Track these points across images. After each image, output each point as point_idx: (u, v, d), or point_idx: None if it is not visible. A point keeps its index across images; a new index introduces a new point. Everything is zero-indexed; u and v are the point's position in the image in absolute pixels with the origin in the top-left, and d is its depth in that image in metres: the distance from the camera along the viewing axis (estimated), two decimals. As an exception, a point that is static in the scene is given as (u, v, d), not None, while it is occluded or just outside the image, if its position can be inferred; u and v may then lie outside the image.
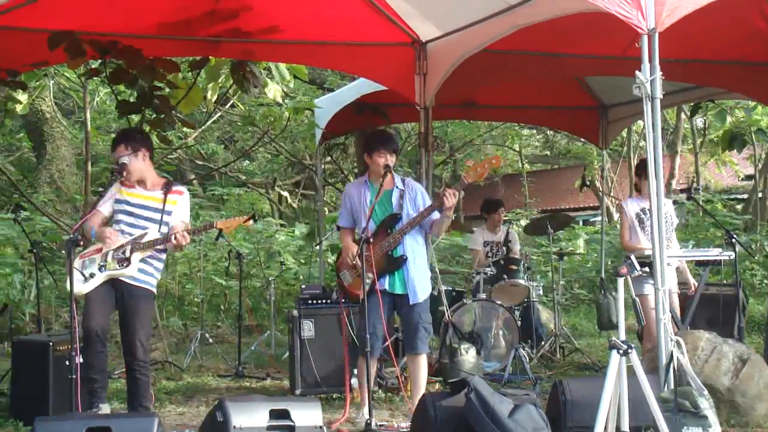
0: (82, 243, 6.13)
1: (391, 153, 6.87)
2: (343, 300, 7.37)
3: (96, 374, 6.39)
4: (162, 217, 6.52)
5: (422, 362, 6.88)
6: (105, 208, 6.59)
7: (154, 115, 8.40)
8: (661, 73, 5.24)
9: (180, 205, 6.63)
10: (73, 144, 15.20)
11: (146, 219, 6.52)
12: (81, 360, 5.95)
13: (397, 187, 6.93)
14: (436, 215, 6.79)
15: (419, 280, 6.89)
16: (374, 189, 6.89)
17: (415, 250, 6.89)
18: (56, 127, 14.48)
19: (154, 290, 6.66)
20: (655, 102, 5.25)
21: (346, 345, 7.48)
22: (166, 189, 6.60)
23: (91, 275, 6.40)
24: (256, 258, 14.12)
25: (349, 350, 7.41)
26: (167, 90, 8.31)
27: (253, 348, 10.31)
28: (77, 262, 6.42)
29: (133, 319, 6.45)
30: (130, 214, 6.51)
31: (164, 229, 6.52)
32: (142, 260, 6.46)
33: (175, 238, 6.37)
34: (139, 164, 6.55)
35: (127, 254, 6.40)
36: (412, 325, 6.83)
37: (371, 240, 6.58)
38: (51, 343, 6.83)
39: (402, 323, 6.99)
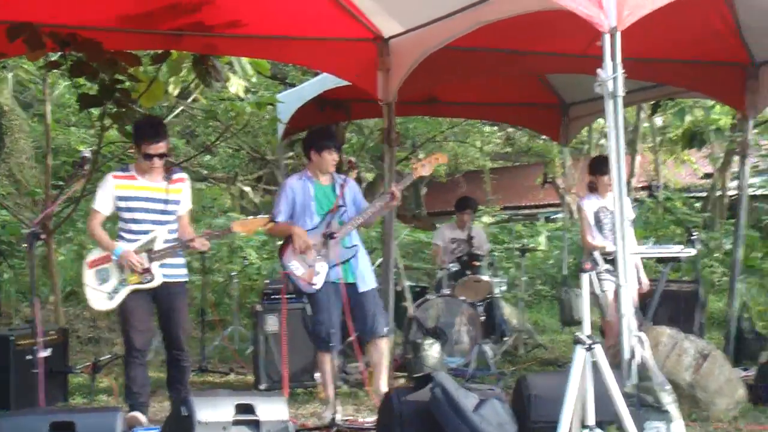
0: (43, 236, 6.05)
1: (337, 149, 6.97)
2: (291, 294, 7.38)
3: (139, 389, 6.42)
4: (167, 207, 6.46)
5: (385, 346, 6.88)
6: (104, 207, 6.44)
7: (115, 109, 8.33)
8: (623, 71, 5.27)
9: (184, 192, 6.61)
10: (32, 137, 15.02)
11: (153, 212, 6.42)
12: (45, 354, 5.90)
13: (337, 181, 7.00)
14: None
15: (366, 269, 6.98)
16: (318, 185, 6.94)
17: (358, 240, 6.99)
18: (15, 120, 14.28)
19: (187, 278, 6.68)
20: (617, 100, 5.27)
21: (285, 342, 7.39)
22: (168, 177, 6.53)
23: (115, 290, 6.31)
24: (218, 253, 14.05)
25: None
26: (128, 83, 8.24)
27: (216, 343, 10.27)
28: (88, 273, 6.34)
29: (176, 316, 6.51)
30: (139, 209, 6.40)
31: (172, 227, 6.48)
32: (163, 265, 6.41)
33: (194, 245, 6.40)
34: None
35: (146, 264, 6.32)
36: (368, 310, 6.84)
37: (334, 235, 6.58)
38: (12, 338, 6.76)
39: (354, 314, 6.84)
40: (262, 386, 7.86)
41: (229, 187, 22.02)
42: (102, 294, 6.30)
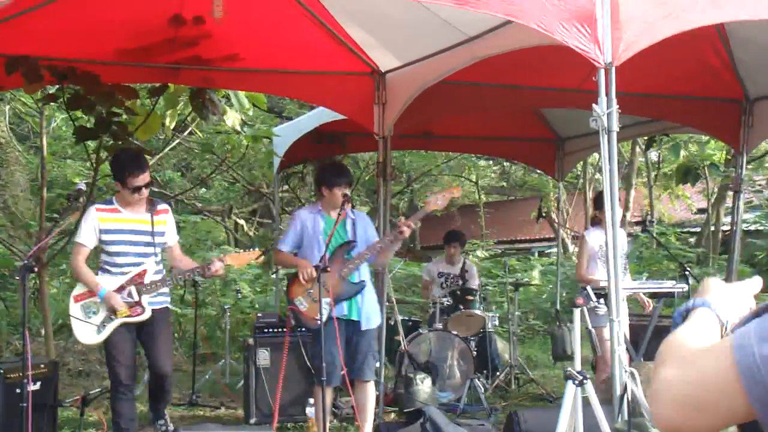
0: (36, 269, 6.06)
1: (348, 185, 6.95)
2: (299, 329, 7.35)
3: (126, 424, 6.42)
4: (154, 239, 6.48)
5: (371, 389, 6.91)
6: (89, 240, 6.43)
7: (111, 141, 8.34)
8: (617, 106, 5.30)
9: (169, 224, 6.65)
10: (27, 169, 15.03)
11: (140, 244, 6.45)
12: (34, 387, 5.88)
13: (349, 216, 6.99)
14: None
15: (371, 307, 6.96)
16: (329, 219, 6.92)
17: (366, 277, 6.98)
18: (11, 153, 14.31)
19: (169, 304, 6.73)
20: (612, 135, 5.30)
21: (281, 377, 7.38)
22: (152, 209, 6.56)
23: (103, 324, 6.30)
24: (211, 286, 14.02)
25: (297, 380, 7.37)
26: (125, 116, 8.26)
27: (207, 377, 10.23)
28: (74, 306, 6.34)
29: (159, 340, 6.51)
30: (125, 242, 6.41)
31: (159, 258, 6.53)
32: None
33: (213, 271, 6.46)
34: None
35: (136, 297, 6.34)
36: (362, 351, 6.85)
37: (329, 269, 6.58)
38: (1, 371, 6.71)
39: (349, 350, 6.92)
40: (252, 421, 7.82)
41: (223, 220, 22.00)
42: (90, 327, 6.31)
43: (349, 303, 6.84)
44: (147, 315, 6.37)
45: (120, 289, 6.34)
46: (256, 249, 6.74)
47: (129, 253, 6.41)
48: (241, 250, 6.85)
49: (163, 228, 6.58)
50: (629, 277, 8.25)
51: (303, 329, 7.18)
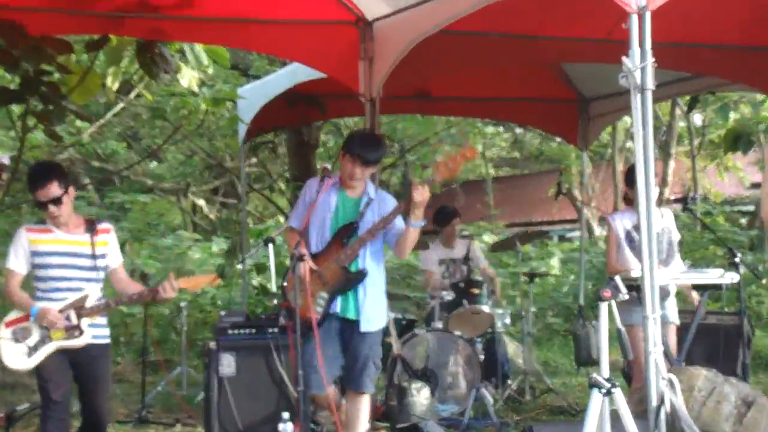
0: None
1: (368, 165, 6.94)
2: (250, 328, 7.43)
3: None
4: (96, 263, 6.56)
5: (365, 403, 6.94)
6: (20, 266, 6.51)
7: (41, 106, 8.32)
8: (653, 59, 5.30)
9: (111, 245, 6.73)
10: (-61, 140, 15.01)
11: (81, 268, 6.52)
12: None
13: (367, 194, 7.02)
14: (399, 226, 6.85)
15: (375, 305, 6.99)
16: (345, 197, 7.02)
17: (373, 268, 6.98)
18: None
19: (110, 341, 6.78)
20: (646, 94, 5.30)
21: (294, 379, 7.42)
22: (92, 229, 6.63)
23: (35, 347, 6.36)
24: (164, 279, 14.02)
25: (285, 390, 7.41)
26: (57, 75, 8.24)
27: (159, 388, 10.24)
28: (4, 332, 6.40)
29: (97, 385, 6.61)
30: (63, 266, 6.48)
31: (101, 284, 6.61)
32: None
33: (162, 295, 6.63)
34: (70, 205, 6.55)
35: (74, 321, 6.40)
36: (360, 358, 6.90)
37: (305, 257, 6.59)
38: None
39: (346, 355, 6.97)
40: (216, 440, 7.84)
41: (179, 200, 22.01)
42: (21, 350, 6.37)
43: (344, 298, 6.88)
44: (85, 339, 6.43)
45: (60, 312, 6.40)
46: (210, 274, 6.87)
47: (66, 278, 6.49)
48: (197, 275, 6.95)
49: (105, 249, 6.67)
50: (679, 266, 8.18)
51: (272, 332, 7.22)
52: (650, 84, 5.30)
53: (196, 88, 9.45)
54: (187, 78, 9.10)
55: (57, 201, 6.42)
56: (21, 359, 6.37)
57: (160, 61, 8.24)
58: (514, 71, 10.73)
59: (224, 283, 14.77)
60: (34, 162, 7.52)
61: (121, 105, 12.76)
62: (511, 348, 10.74)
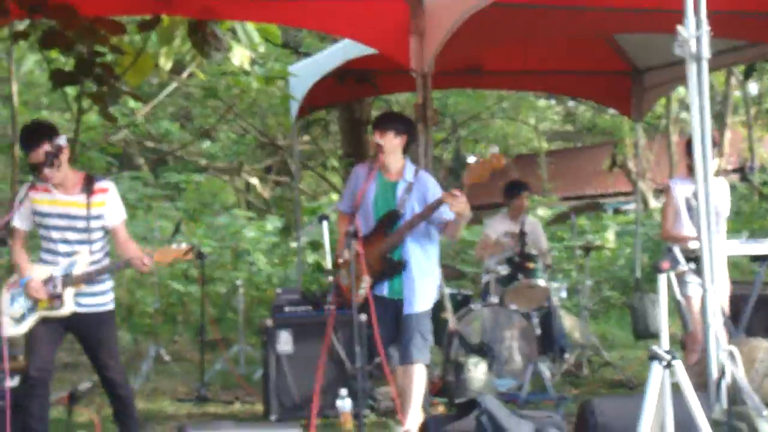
0: (9, 242, 6.12)
1: (383, 131, 6.95)
2: (335, 306, 7.43)
3: (36, 423, 6.44)
4: (89, 224, 6.47)
5: (417, 373, 6.92)
6: (22, 222, 6.50)
7: (95, 87, 8.36)
8: (708, 27, 5.23)
9: (109, 205, 6.59)
10: (-5, 123, 15.15)
11: (77, 230, 6.46)
12: (13, 384, 5.96)
13: (404, 179, 7.00)
14: (448, 215, 6.84)
15: (420, 288, 6.98)
16: (383, 180, 7.04)
17: (416, 253, 6.98)
18: (-25, 103, 14.45)
19: (112, 306, 6.70)
20: (702, 63, 5.24)
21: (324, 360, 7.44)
22: (88, 189, 6.50)
23: (23, 316, 6.38)
24: (220, 258, 14.11)
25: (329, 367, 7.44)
26: (111, 56, 8.27)
27: (218, 366, 10.29)
28: (4, 296, 6.44)
29: (101, 349, 6.58)
30: (60, 228, 6.43)
31: (97, 246, 6.51)
32: (79, 293, 6.46)
33: (135, 264, 6.46)
34: (65, 165, 6.47)
35: (59, 289, 6.36)
36: (406, 332, 6.92)
37: (359, 234, 6.60)
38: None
39: (396, 334, 7.00)
40: (273, 417, 7.88)
41: (232, 179, 22.11)
42: (11, 318, 6.40)
43: (390, 283, 6.92)
44: (67, 310, 6.39)
45: (48, 280, 6.38)
46: (183, 245, 6.73)
47: (61, 240, 6.45)
48: (174, 245, 6.82)
49: (102, 210, 6.53)
50: (724, 236, 8.13)
51: (329, 308, 7.24)
52: (706, 53, 5.25)
53: (247, 67, 9.46)
54: (239, 57, 9.10)
55: (50, 163, 6.35)
56: (11, 327, 6.38)
57: (212, 40, 8.24)
58: (566, 43, 10.66)
59: (278, 261, 14.86)
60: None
61: (174, 85, 12.80)
62: (568, 322, 10.69)
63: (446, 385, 8.39)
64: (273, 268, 14.51)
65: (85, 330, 6.54)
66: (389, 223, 6.92)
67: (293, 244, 12.36)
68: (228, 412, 8.79)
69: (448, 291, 9.19)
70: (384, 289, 6.91)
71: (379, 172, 7.03)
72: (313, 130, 15.76)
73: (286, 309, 8.14)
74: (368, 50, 8.88)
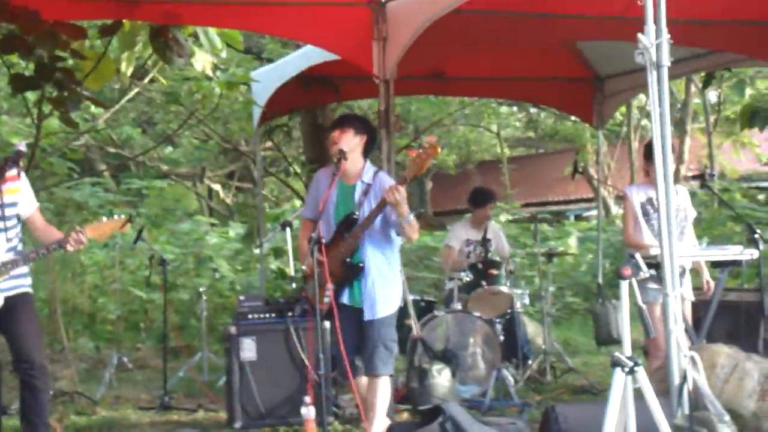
0: None
1: (342, 129, 6.96)
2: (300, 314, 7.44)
3: None
4: (3, 212, 6.37)
5: (381, 386, 6.91)
6: None
7: (56, 92, 8.31)
8: (668, 36, 5.27)
9: (23, 191, 6.55)
10: (-44, 129, 15.02)
11: None
12: None
13: (362, 181, 6.98)
14: (395, 217, 6.85)
15: (380, 293, 6.94)
16: (342, 185, 6.99)
17: (376, 257, 6.95)
18: (-66, 109, 14.33)
19: (30, 289, 6.61)
20: (662, 70, 5.28)
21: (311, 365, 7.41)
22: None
23: None
24: (183, 265, 14.05)
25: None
26: (71, 61, 8.23)
27: (181, 374, 10.25)
28: None
29: (20, 328, 6.42)
30: None
31: (12, 233, 6.42)
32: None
33: (70, 244, 6.32)
34: None
35: None
36: (369, 343, 6.89)
37: (322, 241, 6.57)
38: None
39: (360, 343, 6.97)
40: (237, 424, 7.84)
41: (195, 185, 22.03)
42: None
43: (351, 289, 6.88)
44: None
45: None
46: (121, 216, 6.64)
47: None
48: (104, 218, 6.72)
49: (15, 197, 6.49)
50: (692, 242, 8.17)
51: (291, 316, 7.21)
52: (666, 60, 5.29)
53: (210, 72, 9.43)
54: (201, 62, 9.08)
55: (20, 154, 6.33)
56: None
57: (174, 46, 8.21)
58: (529, 51, 10.69)
59: (241, 267, 14.81)
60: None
61: (135, 90, 12.75)
62: (531, 328, 10.73)
63: (410, 392, 8.38)
64: (236, 275, 14.48)
65: (7, 312, 6.38)
66: (347, 227, 6.89)
67: (256, 251, 12.31)
68: (191, 419, 8.75)
69: (411, 297, 9.20)
70: (345, 297, 6.87)
71: (340, 177, 6.99)
72: (276, 136, 15.69)
73: (250, 316, 8.11)
74: (331, 56, 8.87)
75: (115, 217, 6.69)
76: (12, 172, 6.47)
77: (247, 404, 7.90)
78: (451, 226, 10.76)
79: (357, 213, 6.88)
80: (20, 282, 6.50)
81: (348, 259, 6.85)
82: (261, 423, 7.67)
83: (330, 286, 6.65)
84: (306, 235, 7.05)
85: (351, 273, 6.84)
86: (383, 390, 6.91)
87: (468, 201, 10.54)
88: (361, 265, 6.87)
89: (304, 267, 6.85)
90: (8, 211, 6.41)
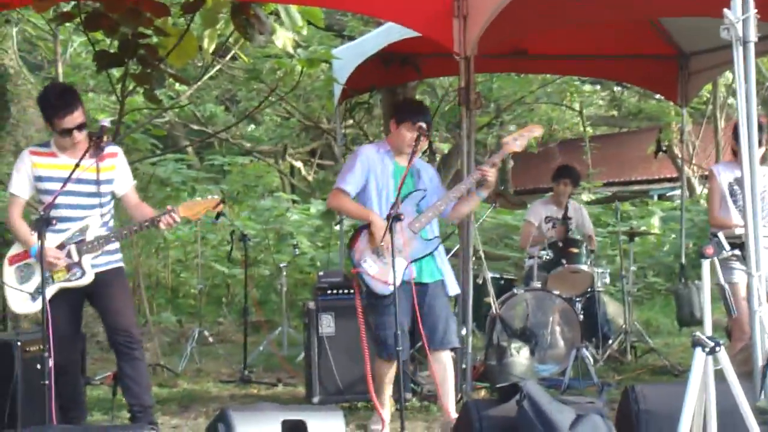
0: (55, 222, 6.07)
1: (421, 129, 6.93)
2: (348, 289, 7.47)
3: (69, 404, 6.50)
4: (99, 188, 6.43)
5: (450, 360, 6.95)
6: (22, 190, 6.42)
7: (140, 69, 8.38)
8: (755, 11, 5.17)
9: (119, 169, 6.59)
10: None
11: (84, 195, 6.40)
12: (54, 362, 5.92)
13: (414, 165, 6.96)
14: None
15: (449, 270, 7.05)
16: (398, 165, 6.95)
17: (436, 235, 7.00)
18: (22, 85, 14.47)
19: (122, 264, 6.67)
20: (748, 46, 5.18)
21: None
22: (97, 153, 6.38)
23: (38, 290, 6.20)
24: (264, 241, 14.15)
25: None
26: (155, 38, 8.29)
27: (261, 348, 10.34)
28: (8, 270, 6.35)
29: (114, 301, 6.47)
30: (65, 193, 6.21)
31: (105, 210, 6.46)
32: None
33: (162, 223, 6.32)
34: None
35: (75, 257, 6.31)
36: (443, 317, 6.87)
37: (402, 218, 6.53)
38: (18, 342, 6.77)
39: (422, 317, 6.78)
40: (316, 399, 7.88)
41: (277, 162, 22.12)
42: (23, 294, 6.29)
43: (419, 264, 6.84)
44: (88, 279, 6.33)
45: (59, 249, 6.30)
46: (214, 197, 6.63)
47: (70, 206, 6.35)
48: (199, 198, 6.72)
49: (111, 175, 6.51)
50: None
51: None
52: (752, 36, 5.18)
53: (291, 50, 9.45)
54: (282, 39, 9.09)
55: (82, 126, 6.34)
56: (26, 304, 6.33)
57: (256, 23, 8.24)
58: (612, 27, 10.56)
59: (322, 244, 14.87)
60: (50, 86, 7.33)
61: (217, 67, 12.81)
62: (611, 307, 10.64)
63: (489, 370, 8.35)
64: (316, 251, 14.54)
65: (101, 287, 6.43)
66: (416, 203, 6.86)
67: (336, 228, 12.34)
68: (271, 393, 8.82)
69: (490, 275, 9.17)
70: (412, 273, 6.79)
71: (392, 156, 6.95)
72: (357, 113, 15.68)
73: (329, 292, 8.14)
74: (411, 33, 8.85)
75: (209, 197, 6.72)
76: (110, 149, 6.53)
77: (325, 379, 7.94)
78: (531, 204, 10.71)
79: (422, 191, 6.86)
80: (112, 258, 6.57)
81: (420, 234, 6.81)
82: (339, 398, 7.69)
83: (401, 260, 6.60)
84: (343, 206, 7.10)
85: (426, 248, 6.81)
86: (449, 361, 6.93)
87: (551, 176, 10.52)
88: (438, 238, 6.88)
89: (381, 244, 6.77)
90: (104, 188, 6.45)
